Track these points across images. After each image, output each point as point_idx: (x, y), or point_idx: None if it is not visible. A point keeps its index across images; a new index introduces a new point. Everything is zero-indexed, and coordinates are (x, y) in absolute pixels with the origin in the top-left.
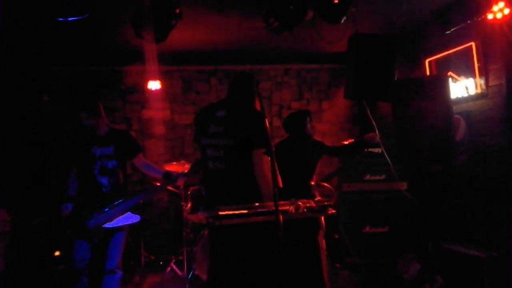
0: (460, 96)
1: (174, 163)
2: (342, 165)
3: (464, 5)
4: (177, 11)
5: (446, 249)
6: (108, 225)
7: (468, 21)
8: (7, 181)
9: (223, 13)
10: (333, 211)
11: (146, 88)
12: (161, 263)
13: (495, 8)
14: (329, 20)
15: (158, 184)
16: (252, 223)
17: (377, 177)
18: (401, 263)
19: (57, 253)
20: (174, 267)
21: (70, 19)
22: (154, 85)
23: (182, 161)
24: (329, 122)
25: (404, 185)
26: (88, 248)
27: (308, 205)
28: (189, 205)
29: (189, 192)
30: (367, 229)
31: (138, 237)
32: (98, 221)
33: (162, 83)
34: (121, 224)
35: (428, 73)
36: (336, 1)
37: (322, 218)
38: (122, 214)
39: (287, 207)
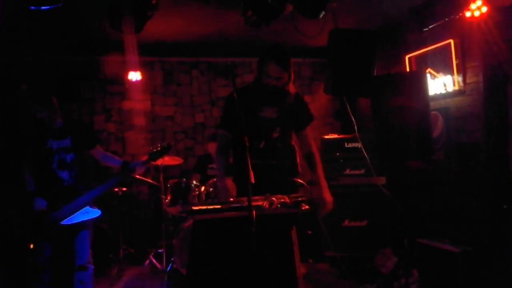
0: (438, 92)
1: None
2: None
3: (442, 3)
4: (153, 1)
5: (422, 244)
6: (66, 221)
7: (447, 19)
8: None
9: (203, 5)
10: (307, 207)
11: (127, 79)
12: (140, 256)
13: (473, 6)
14: (308, 15)
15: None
16: (225, 218)
17: (357, 172)
18: (378, 257)
19: (31, 246)
20: (153, 260)
21: (43, 8)
22: (134, 76)
23: None
24: None
25: (382, 180)
26: (48, 245)
27: (282, 200)
28: (168, 198)
29: (168, 185)
30: (346, 222)
31: (117, 230)
32: (56, 217)
33: (142, 74)
34: (80, 220)
35: (408, 69)
36: None
37: None
38: (80, 209)
39: (261, 203)
